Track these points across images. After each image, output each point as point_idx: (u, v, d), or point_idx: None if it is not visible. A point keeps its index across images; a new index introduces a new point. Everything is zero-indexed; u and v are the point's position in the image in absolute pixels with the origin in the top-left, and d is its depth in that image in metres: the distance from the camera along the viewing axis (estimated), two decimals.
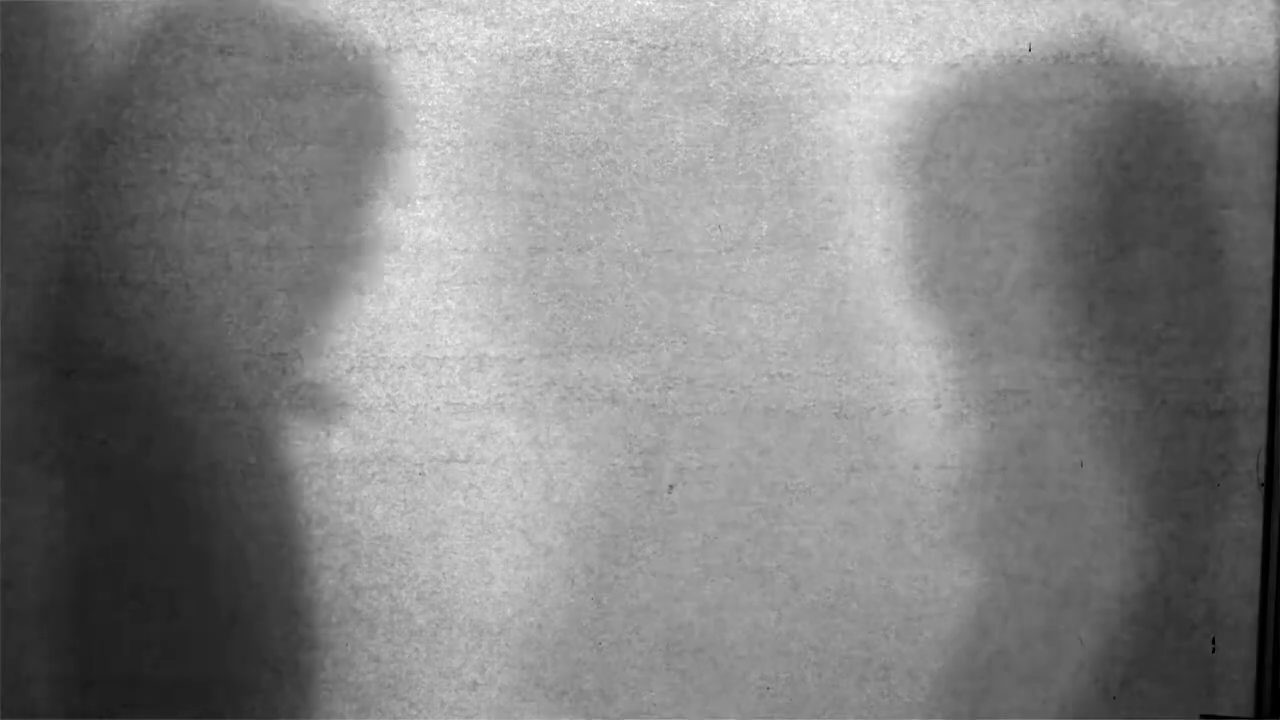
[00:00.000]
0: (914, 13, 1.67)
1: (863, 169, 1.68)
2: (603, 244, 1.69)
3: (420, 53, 1.66)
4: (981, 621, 1.73)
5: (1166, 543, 1.73)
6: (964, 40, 1.68)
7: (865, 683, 1.73)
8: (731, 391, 1.71)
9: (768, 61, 1.67)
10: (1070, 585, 1.73)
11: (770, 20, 1.67)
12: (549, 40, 1.66)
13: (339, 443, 1.69)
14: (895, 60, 1.68)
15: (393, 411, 1.69)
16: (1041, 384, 1.71)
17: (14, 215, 1.65)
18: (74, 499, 1.68)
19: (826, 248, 1.69)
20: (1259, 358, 1.70)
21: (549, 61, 1.67)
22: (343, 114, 1.66)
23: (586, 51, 1.67)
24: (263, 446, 1.68)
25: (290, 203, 1.67)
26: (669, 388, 1.70)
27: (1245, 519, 1.72)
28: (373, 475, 1.69)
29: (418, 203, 1.67)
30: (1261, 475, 1.71)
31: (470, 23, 1.66)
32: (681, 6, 1.67)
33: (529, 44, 1.66)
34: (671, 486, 1.71)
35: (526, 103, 1.67)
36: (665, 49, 1.67)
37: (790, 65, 1.67)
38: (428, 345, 1.69)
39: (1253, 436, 1.71)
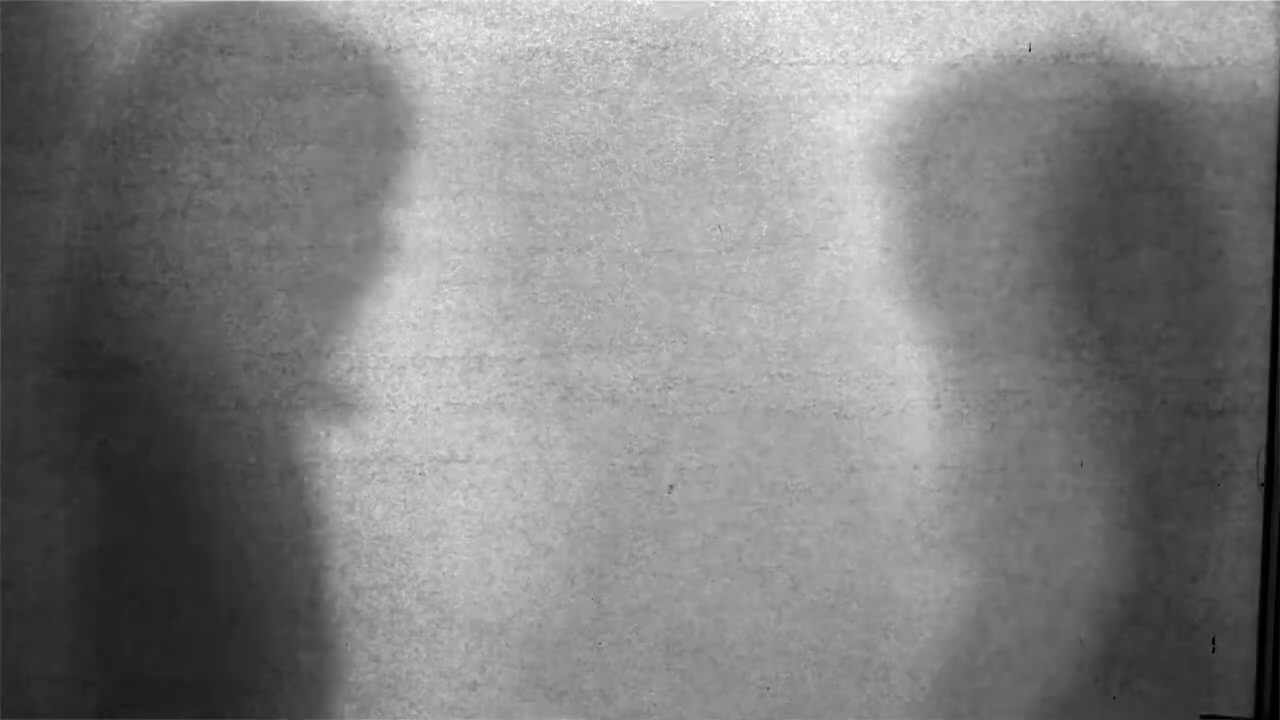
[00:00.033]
0: (914, 13, 1.67)
1: (863, 169, 1.68)
2: (603, 244, 1.69)
3: (420, 53, 1.66)
4: (981, 621, 1.73)
5: (1166, 543, 1.73)
6: (964, 40, 1.68)
7: (865, 683, 1.74)
8: (731, 391, 1.71)
9: (768, 61, 1.67)
10: (1070, 585, 1.73)
11: (770, 20, 1.67)
12: (549, 40, 1.66)
13: (339, 443, 1.69)
14: (895, 60, 1.68)
15: (393, 411, 1.69)
16: (1041, 384, 1.71)
17: (14, 215, 1.65)
18: (74, 499, 1.68)
19: (826, 248, 1.69)
20: (1259, 358, 1.70)
21: (549, 61, 1.67)
22: (343, 114, 1.66)
23: (586, 51, 1.67)
24: (263, 446, 1.68)
25: (290, 203, 1.67)
26: (669, 388, 1.70)
27: (1245, 519, 1.72)
28: (373, 475, 1.69)
29: (418, 203, 1.67)
30: (1261, 475, 1.71)
31: (470, 23, 1.66)
32: (681, 6, 1.67)
33: (529, 44, 1.66)
34: (671, 486, 1.71)
35: (526, 103, 1.67)
36: (665, 49, 1.67)
37: (790, 65, 1.67)
38: (428, 345, 1.69)
39: (1253, 436, 1.71)
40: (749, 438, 1.71)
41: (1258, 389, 1.71)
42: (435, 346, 1.69)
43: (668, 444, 1.71)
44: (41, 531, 1.68)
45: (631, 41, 1.67)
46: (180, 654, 1.70)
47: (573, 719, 1.73)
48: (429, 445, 1.70)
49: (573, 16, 1.66)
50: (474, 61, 1.66)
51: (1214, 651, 1.74)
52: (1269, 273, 1.70)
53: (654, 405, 1.70)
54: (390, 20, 1.65)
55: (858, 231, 1.69)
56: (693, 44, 1.67)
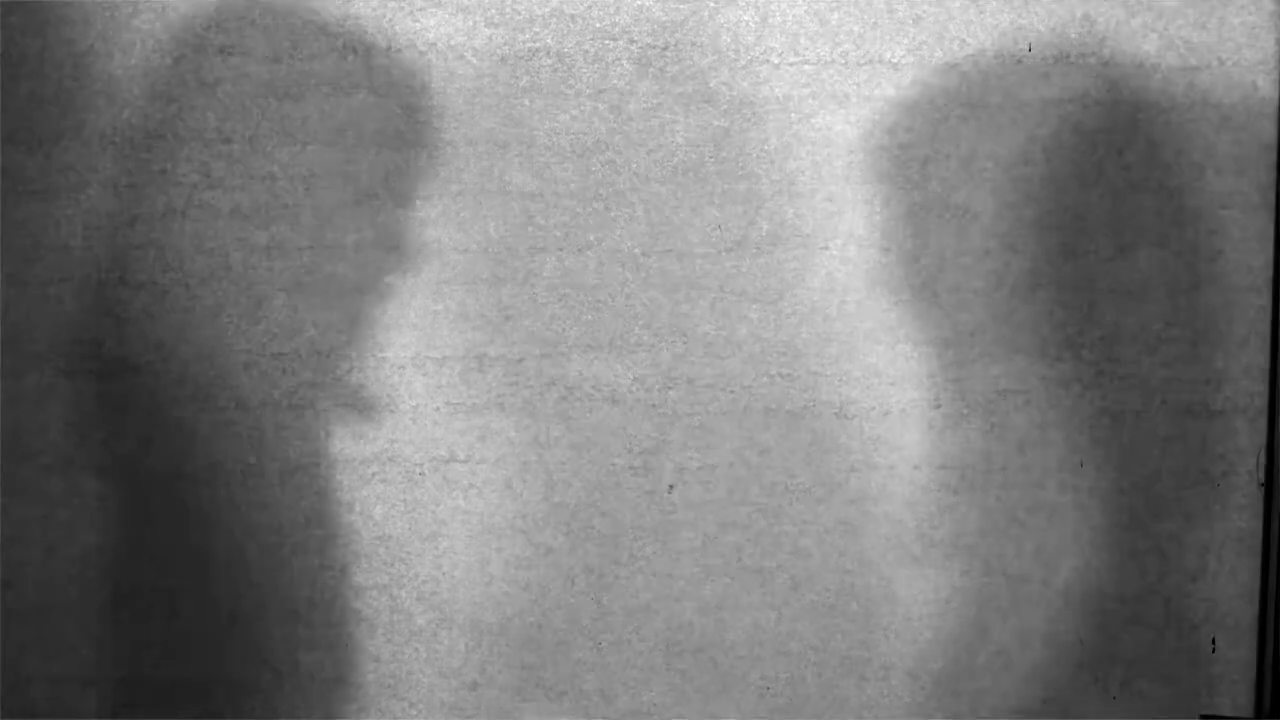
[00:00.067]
0: (914, 13, 1.67)
1: (863, 169, 1.68)
2: (603, 244, 1.69)
3: (420, 53, 1.66)
4: (981, 621, 1.73)
5: (1166, 543, 1.73)
6: (964, 40, 1.68)
7: (865, 683, 1.73)
8: (731, 391, 1.71)
9: (768, 61, 1.67)
10: (1070, 585, 1.73)
11: (770, 20, 1.67)
12: (549, 40, 1.66)
13: (339, 443, 1.69)
14: (895, 60, 1.68)
15: (393, 411, 1.69)
16: (1041, 384, 1.70)
17: (14, 215, 1.65)
18: (74, 499, 1.68)
19: (826, 248, 1.69)
20: (1259, 358, 1.70)
21: (549, 61, 1.67)
22: (343, 114, 1.66)
23: (586, 51, 1.67)
24: (263, 446, 1.68)
25: (290, 203, 1.67)
26: (669, 388, 1.70)
27: (1245, 519, 1.72)
28: (373, 475, 1.69)
29: (418, 203, 1.67)
30: (1261, 475, 1.71)
31: (470, 23, 1.66)
32: (681, 6, 1.67)
33: (529, 44, 1.66)
34: (671, 486, 1.71)
35: (526, 103, 1.67)
36: (665, 49, 1.67)
37: (790, 65, 1.67)
38: (428, 345, 1.69)
39: (1253, 436, 1.71)
40: (749, 438, 1.71)
41: (1258, 389, 1.71)
42: (435, 346, 1.69)
43: (668, 444, 1.71)
44: (41, 531, 1.68)
45: (631, 41, 1.67)
46: (180, 654, 1.70)
47: (573, 719, 1.73)
48: (429, 445, 1.69)
49: (573, 16, 1.66)
50: (474, 61, 1.66)
51: (1214, 651, 1.74)
52: (1269, 273, 1.70)
53: (654, 405, 1.70)
54: (390, 20, 1.65)
55: (858, 231, 1.69)
56: (693, 44, 1.67)
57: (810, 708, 1.74)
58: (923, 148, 1.68)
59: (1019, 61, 1.67)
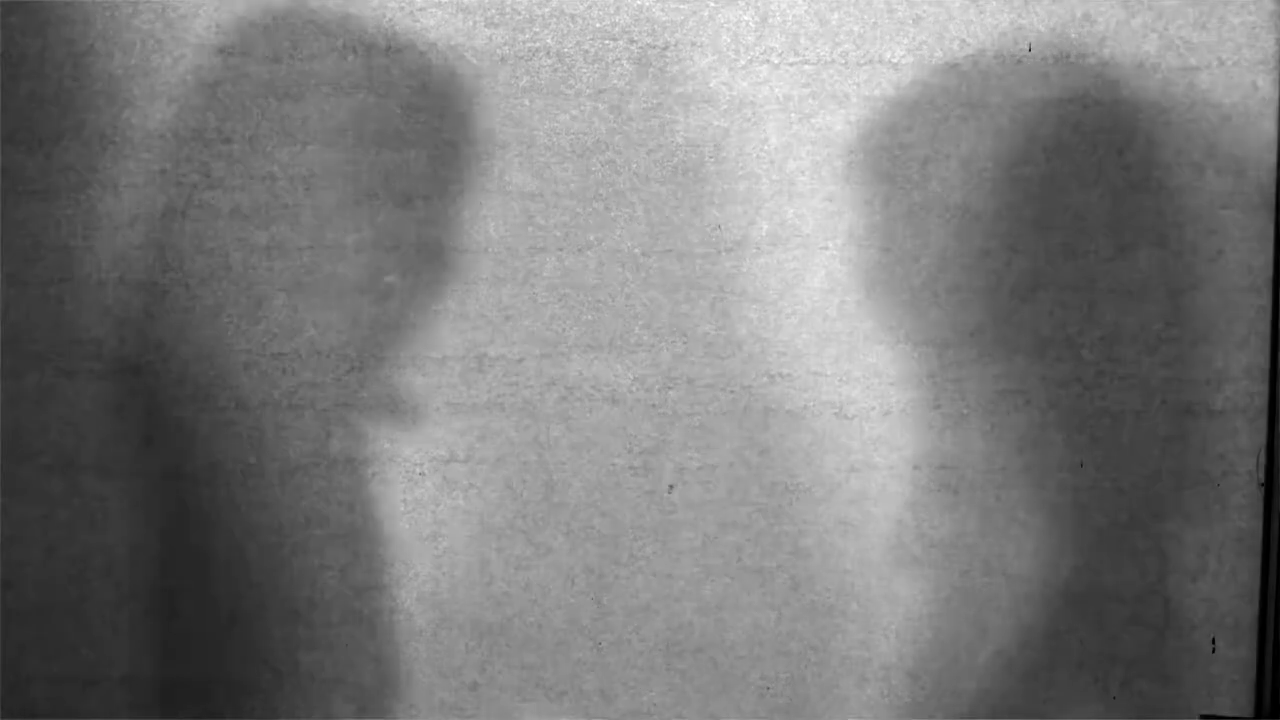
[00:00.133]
0: (914, 13, 1.67)
1: (863, 169, 1.68)
2: (603, 244, 1.69)
3: (420, 53, 1.66)
4: (981, 621, 1.73)
5: (1166, 543, 1.73)
6: (964, 40, 1.68)
7: (865, 683, 1.73)
8: (731, 391, 1.71)
9: (768, 61, 1.67)
10: (1070, 585, 1.73)
11: (770, 20, 1.67)
12: (549, 40, 1.66)
13: (339, 443, 1.69)
14: (895, 60, 1.68)
15: (393, 412, 1.69)
16: (1041, 384, 1.71)
17: (14, 215, 1.65)
18: (74, 499, 1.68)
19: (826, 248, 1.69)
20: (1259, 358, 1.70)
21: (549, 61, 1.67)
22: (343, 114, 1.66)
23: (586, 51, 1.67)
24: (263, 446, 1.68)
25: (290, 203, 1.67)
26: (669, 388, 1.70)
27: (1245, 519, 1.72)
28: (373, 475, 1.69)
29: (418, 203, 1.67)
30: (1261, 475, 1.71)
31: (470, 23, 1.66)
32: (681, 6, 1.67)
33: (529, 44, 1.66)
34: (671, 486, 1.71)
35: (526, 103, 1.67)
36: (665, 49, 1.67)
37: (790, 65, 1.67)
38: (428, 345, 1.69)
39: (1253, 436, 1.71)
40: (749, 438, 1.71)
41: (1258, 389, 1.71)
42: (435, 346, 1.69)
43: (668, 444, 1.71)
44: (41, 531, 1.68)
45: (631, 41, 1.67)
46: (180, 654, 1.70)
47: (572, 719, 1.73)
48: (429, 445, 1.70)
49: (573, 16, 1.66)
50: (474, 61, 1.66)
51: (1214, 651, 1.74)
52: (1269, 273, 1.70)
53: (654, 405, 1.70)
54: (390, 20, 1.65)
55: (857, 231, 1.69)
56: (693, 44, 1.67)
57: (810, 708, 1.74)
58: (923, 148, 1.68)
59: (1019, 61, 1.67)
